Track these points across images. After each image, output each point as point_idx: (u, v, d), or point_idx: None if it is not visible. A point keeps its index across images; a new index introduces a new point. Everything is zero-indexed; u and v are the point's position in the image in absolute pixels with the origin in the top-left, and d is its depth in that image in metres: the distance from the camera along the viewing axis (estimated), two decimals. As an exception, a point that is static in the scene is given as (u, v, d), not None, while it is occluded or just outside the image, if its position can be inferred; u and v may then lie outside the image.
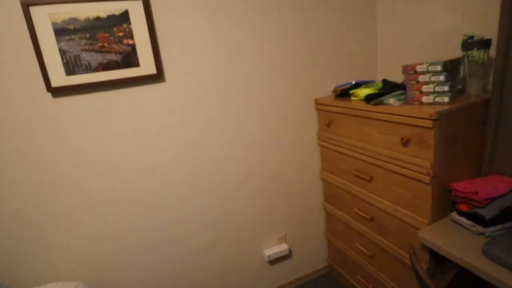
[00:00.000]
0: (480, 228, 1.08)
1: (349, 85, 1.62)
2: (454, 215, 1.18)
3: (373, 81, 1.64)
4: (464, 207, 1.13)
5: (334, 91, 1.71)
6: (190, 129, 1.52)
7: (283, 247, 1.84)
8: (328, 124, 1.70)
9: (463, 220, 1.14)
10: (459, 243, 1.07)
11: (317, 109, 1.78)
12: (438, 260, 1.18)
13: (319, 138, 1.82)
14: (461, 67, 1.33)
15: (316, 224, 1.97)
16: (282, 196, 1.82)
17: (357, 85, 1.61)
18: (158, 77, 1.40)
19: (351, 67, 1.82)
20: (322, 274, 2.06)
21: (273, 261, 1.87)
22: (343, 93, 1.64)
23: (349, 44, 1.78)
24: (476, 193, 1.09)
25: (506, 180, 1.16)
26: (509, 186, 1.13)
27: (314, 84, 1.76)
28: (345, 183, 1.67)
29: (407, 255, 1.34)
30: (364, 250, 1.63)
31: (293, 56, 1.66)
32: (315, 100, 1.76)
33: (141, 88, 1.39)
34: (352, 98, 1.57)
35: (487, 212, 1.06)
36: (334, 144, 1.68)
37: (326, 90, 1.79)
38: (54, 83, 1.24)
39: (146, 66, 1.37)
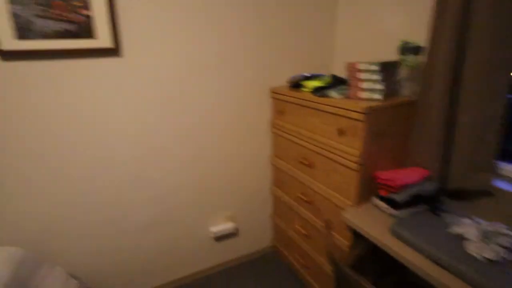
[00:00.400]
0: (392, 211, 1.24)
1: (302, 77, 1.73)
2: (375, 199, 1.34)
3: (323, 75, 1.76)
4: (382, 193, 1.29)
5: (288, 81, 1.81)
6: (143, 107, 1.55)
7: (229, 225, 1.94)
8: (281, 113, 1.81)
9: (381, 204, 1.30)
10: (373, 222, 1.22)
11: (272, 98, 1.88)
12: (358, 237, 1.33)
13: (272, 126, 1.92)
14: (399, 70, 1.47)
15: (263, 206, 2.09)
16: (233, 177, 1.92)
17: (309, 78, 1.72)
18: (115, 51, 1.41)
19: (309, 60, 1.93)
20: (266, 253, 2.20)
21: (219, 238, 1.98)
22: (296, 84, 1.74)
23: (309, 39, 1.89)
24: (393, 180, 1.25)
25: (421, 171, 1.33)
26: (422, 176, 1.30)
27: (272, 74, 1.85)
28: (291, 169, 1.80)
29: (336, 235, 1.49)
30: (302, 231, 1.77)
31: (254, 46, 1.73)
32: (271, 89, 1.86)
33: (97, 61, 1.40)
34: (303, 89, 1.68)
35: (400, 197, 1.22)
36: (285, 132, 1.80)
37: (283, 79, 1.89)
38: (5, 46, 1.23)
39: (103, 39, 1.38)
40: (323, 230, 1.40)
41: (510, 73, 1.16)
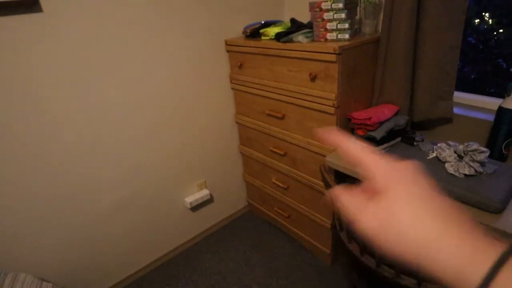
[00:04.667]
0: (373, 148, 1.28)
1: (259, 25, 1.61)
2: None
3: (281, 21, 1.67)
4: (360, 132, 1.31)
5: (244, 31, 1.68)
6: (83, 77, 1.31)
7: (204, 193, 1.86)
8: (240, 66, 1.70)
9: (360, 143, 1.33)
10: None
11: (228, 51, 1.74)
12: (340, 179, 1.37)
13: (231, 81, 1.81)
14: (358, 8, 1.44)
15: (234, 167, 2.04)
16: (199, 143, 1.80)
17: (267, 25, 1.61)
18: (30, 4, 1.11)
19: (259, 8, 1.80)
20: (242, 213, 2.19)
21: (195, 208, 1.89)
22: (253, 33, 1.63)
23: (256, -17, 1.74)
24: (370, 118, 1.27)
25: (391, 107, 1.38)
26: (393, 111, 1.34)
27: (223, 26, 1.69)
28: (259, 124, 1.74)
29: (317, 181, 1.52)
30: (280, 184, 1.78)
31: (200, -8, 1.54)
32: (226, 41, 1.71)
33: (4, 20, 1.08)
34: (262, 37, 1.57)
35: (378, 134, 1.26)
36: (247, 86, 1.70)
37: (235, 31, 1.74)
38: None
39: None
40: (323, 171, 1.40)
41: (467, 2, 1.20)
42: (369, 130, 1.29)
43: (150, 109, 1.54)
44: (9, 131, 1.18)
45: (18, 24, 1.11)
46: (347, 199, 0.29)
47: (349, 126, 1.39)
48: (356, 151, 0.30)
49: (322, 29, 1.34)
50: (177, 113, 1.65)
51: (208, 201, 1.95)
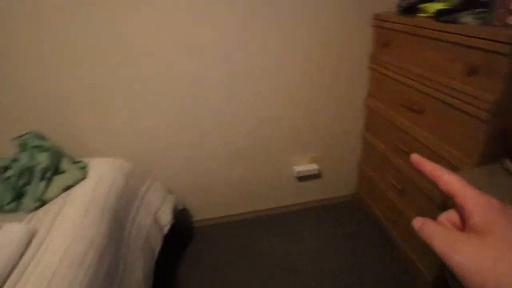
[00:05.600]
0: (532, 177, 0.96)
1: (419, -1, 1.36)
2: (507, 162, 1.05)
3: (451, -5, 1.36)
4: (520, 153, 1.00)
5: (398, 5, 1.46)
6: (231, 37, 1.45)
7: (312, 167, 1.86)
8: (385, 45, 1.51)
9: (516, 167, 1.02)
10: (502, 193, 0.97)
11: (374, 26, 1.56)
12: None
13: (371, 61, 1.64)
14: None
15: (350, 151, 1.92)
16: (322, 116, 1.77)
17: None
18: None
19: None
20: (347, 200, 2.10)
21: (301, 178, 1.93)
22: (409, 8, 1.39)
23: None
24: (541, 138, 0.94)
25: None
26: None
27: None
28: (390, 113, 1.55)
29: (439, 194, 1.28)
30: (396, 183, 1.58)
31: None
32: (375, 15, 1.54)
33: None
34: (419, 14, 1.33)
35: (548, 161, 0.93)
36: (388, 69, 1.51)
37: (388, 4, 1.53)
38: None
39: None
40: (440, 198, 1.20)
41: None
42: (535, 153, 0.97)
43: (283, 73, 1.60)
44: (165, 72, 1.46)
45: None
46: (434, 228, 0.27)
47: (505, 144, 1.07)
48: (454, 182, 0.28)
49: (503, 10, 1.02)
50: (308, 82, 1.65)
51: (316, 176, 1.94)
